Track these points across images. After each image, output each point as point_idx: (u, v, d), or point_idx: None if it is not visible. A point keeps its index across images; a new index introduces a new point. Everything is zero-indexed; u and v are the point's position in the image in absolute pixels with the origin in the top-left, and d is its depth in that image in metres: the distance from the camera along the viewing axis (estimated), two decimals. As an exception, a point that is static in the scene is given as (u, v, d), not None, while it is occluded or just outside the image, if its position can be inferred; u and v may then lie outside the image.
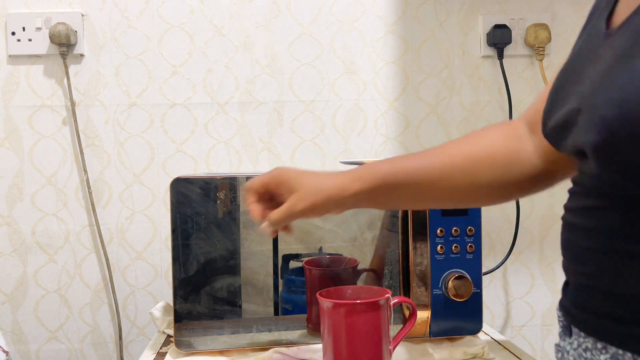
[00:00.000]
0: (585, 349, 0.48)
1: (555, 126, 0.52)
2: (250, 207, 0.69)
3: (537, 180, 0.64)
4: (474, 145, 0.65)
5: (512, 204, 1.21)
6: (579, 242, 0.50)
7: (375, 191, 0.65)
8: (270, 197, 0.69)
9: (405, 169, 0.65)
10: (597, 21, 0.51)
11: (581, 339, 0.48)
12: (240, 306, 0.89)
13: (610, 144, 0.41)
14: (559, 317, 0.55)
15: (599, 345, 0.46)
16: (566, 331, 0.52)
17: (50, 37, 1.13)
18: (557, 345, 0.55)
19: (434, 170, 0.64)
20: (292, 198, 0.66)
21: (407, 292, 0.90)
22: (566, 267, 0.54)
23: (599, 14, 0.52)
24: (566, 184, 0.60)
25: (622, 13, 0.47)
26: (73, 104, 1.17)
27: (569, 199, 0.55)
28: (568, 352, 0.51)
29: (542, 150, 0.61)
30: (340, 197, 0.65)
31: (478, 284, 0.90)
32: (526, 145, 0.63)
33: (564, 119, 0.50)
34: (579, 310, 0.50)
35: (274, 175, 0.69)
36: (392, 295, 0.74)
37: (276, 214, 0.67)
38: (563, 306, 0.54)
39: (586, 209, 0.49)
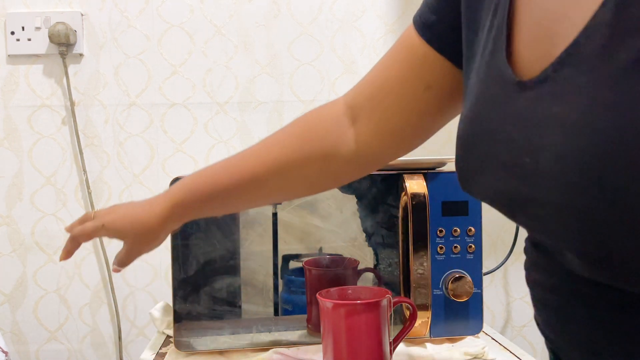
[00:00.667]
0: None
1: (491, 197, 0.45)
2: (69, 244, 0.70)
3: (357, 168, 0.64)
4: (287, 147, 0.63)
5: (512, 204, 1.21)
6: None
7: (177, 213, 0.67)
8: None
9: (205, 188, 0.68)
10: (491, 57, 0.44)
11: None
12: (240, 306, 0.89)
13: (604, 246, 0.33)
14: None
15: None
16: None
17: (49, 37, 1.13)
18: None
19: (243, 183, 0.65)
20: (105, 214, 0.69)
21: (407, 292, 0.89)
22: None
23: (491, 44, 0.44)
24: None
25: (529, 56, 0.40)
26: (72, 103, 1.16)
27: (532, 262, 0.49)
28: None
29: (364, 140, 0.60)
30: (154, 218, 0.67)
31: (478, 284, 0.89)
32: (345, 136, 0.62)
33: (507, 197, 0.42)
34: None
35: (101, 231, 0.69)
36: (392, 296, 0.74)
37: (86, 226, 0.68)
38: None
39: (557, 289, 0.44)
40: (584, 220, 0.33)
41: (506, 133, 0.40)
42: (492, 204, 0.45)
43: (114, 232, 0.68)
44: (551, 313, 0.46)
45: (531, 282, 0.49)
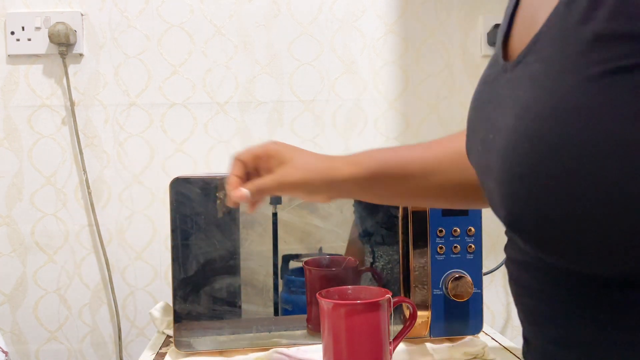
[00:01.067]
0: None
1: (476, 171, 0.47)
2: (230, 177, 0.64)
3: None
4: None
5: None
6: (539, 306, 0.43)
7: (368, 179, 0.62)
8: (256, 172, 0.65)
9: (401, 158, 0.62)
10: (498, 44, 0.46)
11: None
12: (240, 306, 0.89)
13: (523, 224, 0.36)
14: None
15: None
16: None
17: (49, 37, 1.13)
18: None
19: (428, 163, 0.62)
20: (282, 169, 0.62)
21: (407, 292, 0.89)
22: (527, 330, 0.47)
23: (500, 34, 0.46)
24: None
25: (518, 40, 0.42)
26: (72, 103, 1.16)
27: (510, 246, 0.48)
28: None
29: None
30: (332, 178, 0.62)
31: (478, 284, 0.89)
32: None
33: (479, 170, 0.45)
34: None
35: (267, 147, 0.65)
36: (392, 296, 0.74)
37: (263, 181, 0.62)
38: None
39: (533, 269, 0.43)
40: (515, 194, 0.35)
41: (486, 112, 0.43)
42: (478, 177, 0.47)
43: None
44: (512, 287, 0.47)
45: (506, 261, 0.49)
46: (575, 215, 0.32)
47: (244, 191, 0.62)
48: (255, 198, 0.64)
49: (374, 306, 0.72)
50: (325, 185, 0.63)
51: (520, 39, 0.41)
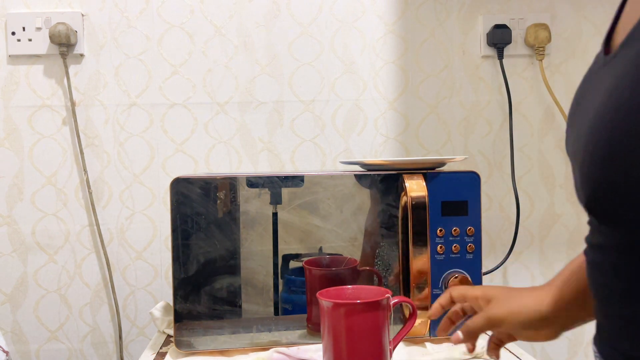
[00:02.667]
0: None
1: (568, 154, 0.51)
2: (435, 305, 0.71)
3: None
4: None
5: (512, 203, 1.21)
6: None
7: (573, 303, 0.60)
8: (463, 312, 0.70)
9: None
10: (603, 42, 0.49)
11: None
12: (240, 306, 0.89)
13: (600, 201, 0.39)
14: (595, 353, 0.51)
15: None
16: None
17: (50, 37, 1.13)
18: None
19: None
20: (489, 306, 0.65)
21: (407, 292, 0.89)
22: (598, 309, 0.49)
23: (606, 33, 0.50)
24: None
25: (619, 36, 0.45)
26: (73, 104, 1.17)
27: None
28: None
29: None
30: (538, 309, 0.61)
31: (478, 284, 0.90)
32: None
33: (570, 152, 0.48)
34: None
35: (486, 293, 0.67)
36: (392, 295, 0.74)
37: (473, 320, 0.66)
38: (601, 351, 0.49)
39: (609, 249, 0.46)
40: (594, 177, 0.39)
41: (582, 104, 0.46)
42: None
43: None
44: (588, 271, 0.49)
45: (585, 249, 0.50)
46: None
47: (459, 335, 0.69)
48: (467, 340, 0.69)
49: (374, 306, 0.72)
50: (534, 316, 0.62)
51: (621, 34, 0.44)
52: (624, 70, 0.38)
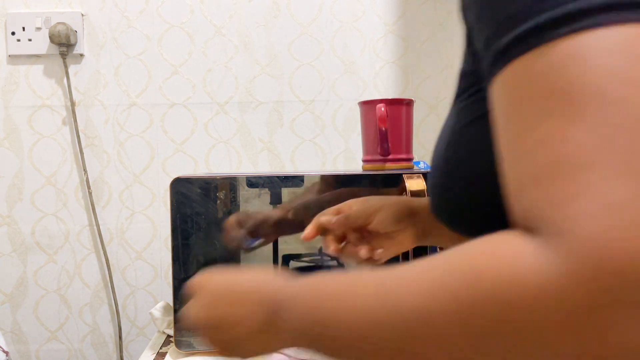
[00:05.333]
0: None
1: None
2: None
3: None
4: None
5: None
6: None
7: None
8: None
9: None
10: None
11: None
12: (240, 306, 0.89)
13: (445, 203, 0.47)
14: None
15: None
16: None
17: (50, 37, 1.13)
18: None
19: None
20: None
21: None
22: None
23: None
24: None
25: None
26: (73, 103, 1.17)
27: None
28: None
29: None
30: (410, 204, 0.68)
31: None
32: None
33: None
34: None
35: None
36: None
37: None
38: None
39: None
40: (434, 193, 0.49)
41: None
42: None
43: None
44: None
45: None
46: (458, 203, 0.45)
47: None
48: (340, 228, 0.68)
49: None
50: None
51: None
52: (449, 118, 0.47)
